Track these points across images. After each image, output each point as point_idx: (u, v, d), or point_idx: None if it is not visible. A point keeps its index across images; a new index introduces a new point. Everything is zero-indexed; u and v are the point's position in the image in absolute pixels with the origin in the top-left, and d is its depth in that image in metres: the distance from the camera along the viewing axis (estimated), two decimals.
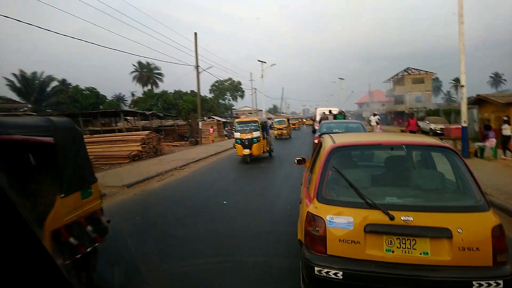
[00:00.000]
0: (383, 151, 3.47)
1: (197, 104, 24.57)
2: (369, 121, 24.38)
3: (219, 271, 3.64)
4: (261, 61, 38.55)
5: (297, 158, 4.71)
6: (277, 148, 16.48)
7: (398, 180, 3.14)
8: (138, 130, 24.09)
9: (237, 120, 13.12)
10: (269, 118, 48.90)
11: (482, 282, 2.15)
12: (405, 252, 2.37)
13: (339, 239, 2.47)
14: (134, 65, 55.26)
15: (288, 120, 28.01)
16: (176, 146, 22.94)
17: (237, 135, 11.81)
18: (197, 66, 24.11)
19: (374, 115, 24.13)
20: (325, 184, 2.76)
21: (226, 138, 29.27)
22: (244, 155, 11.56)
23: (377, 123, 22.59)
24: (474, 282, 2.16)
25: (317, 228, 2.53)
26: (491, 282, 2.15)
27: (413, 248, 2.36)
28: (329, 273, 2.38)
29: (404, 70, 48.69)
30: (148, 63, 54.47)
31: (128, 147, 14.76)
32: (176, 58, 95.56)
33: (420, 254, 2.34)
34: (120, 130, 24.30)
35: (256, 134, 11.68)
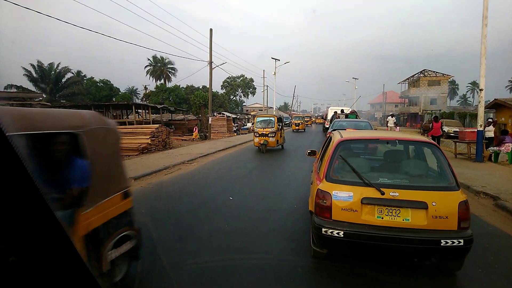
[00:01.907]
0: (386, 147, 4.27)
1: (209, 99, 24.53)
2: (387, 122, 24.14)
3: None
4: (275, 59, 38.39)
5: (308, 151, 5.54)
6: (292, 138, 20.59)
7: (391, 168, 3.93)
8: (148, 123, 24.29)
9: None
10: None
11: (448, 241, 2.92)
12: (392, 218, 3.15)
13: (341, 208, 3.25)
14: (149, 59, 55.99)
15: (304, 117, 35.90)
16: (185, 140, 23.05)
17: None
18: (210, 62, 24.12)
19: (392, 116, 23.91)
20: (332, 168, 3.55)
21: (235, 134, 29.20)
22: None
23: (396, 125, 22.26)
24: (442, 240, 2.92)
25: (325, 200, 3.31)
26: (455, 240, 2.91)
27: (397, 216, 3.14)
28: (333, 233, 3.16)
29: (421, 72, 47.78)
30: (162, 58, 55.00)
31: (137, 140, 14.89)
32: (189, 53, 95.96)
33: (403, 220, 3.12)
34: (131, 123, 24.58)
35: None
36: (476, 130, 11.43)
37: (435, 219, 3.05)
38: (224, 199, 6.52)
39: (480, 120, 11.14)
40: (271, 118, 14.11)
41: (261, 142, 13.47)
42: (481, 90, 11.08)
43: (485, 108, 14.11)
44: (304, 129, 31.94)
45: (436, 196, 3.13)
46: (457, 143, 12.86)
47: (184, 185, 7.94)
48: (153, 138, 15.19)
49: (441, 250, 2.97)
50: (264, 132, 13.56)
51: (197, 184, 8.08)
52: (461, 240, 2.93)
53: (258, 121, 14.15)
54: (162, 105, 31.10)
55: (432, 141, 3.79)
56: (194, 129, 25.45)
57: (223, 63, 30.19)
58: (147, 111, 29.01)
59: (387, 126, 22.90)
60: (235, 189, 7.54)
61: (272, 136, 13.55)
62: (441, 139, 15.56)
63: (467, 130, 13.20)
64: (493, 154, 11.35)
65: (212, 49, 23.68)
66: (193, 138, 23.62)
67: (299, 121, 31.01)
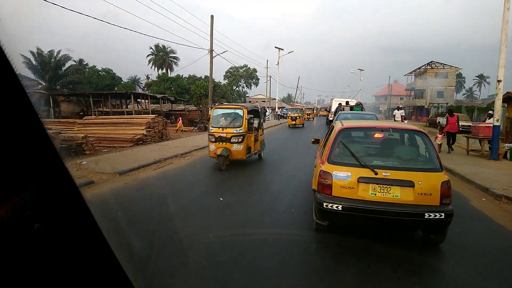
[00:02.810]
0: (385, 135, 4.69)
1: (209, 89, 23.65)
2: (394, 115, 21.44)
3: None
4: (278, 48, 37.25)
5: (312, 139, 5.99)
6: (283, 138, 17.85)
7: (385, 153, 4.38)
8: (147, 113, 23.57)
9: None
10: (282, 107, 47.58)
11: (431, 214, 3.38)
12: (383, 195, 3.61)
13: (340, 186, 3.72)
14: (151, 48, 54.89)
15: (302, 110, 28.53)
16: (184, 131, 22.28)
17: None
18: (211, 50, 23.19)
19: (399, 108, 21.24)
20: (333, 153, 4.04)
21: None
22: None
23: (403, 118, 20.14)
24: (425, 214, 3.39)
25: (326, 180, 3.79)
26: (437, 214, 3.37)
27: (388, 193, 3.60)
28: (333, 207, 3.64)
29: (428, 64, 46.42)
30: (164, 47, 53.96)
31: (132, 131, 14.27)
32: (191, 42, 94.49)
33: (393, 196, 3.58)
34: (129, 113, 23.87)
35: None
36: (491, 124, 10.55)
37: (420, 195, 3.50)
38: (213, 200, 5.78)
39: (497, 114, 10.32)
40: (237, 111, 8.75)
41: (218, 152, 8.17)
42: (499, 81, 10.24)
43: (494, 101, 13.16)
44: (303, 125, 26.05)
45: (422, 176, 3.58)
46: (469, 139, 11.94)
47: (172, 182, 7.28)
48: (148, 129, 14.64)
49: (425, 222, 3.43)
50: (224, 135, 8.31)
51: (186, 181, 7.35)
52: (442, 214, 3.37)
53: (215, 116, 8.76)
54: (162, 95, 30.26)
55: (421, 130, 4.21)
56: (178, 120, 23.81)
57: (224, 52, 29.32)
58: (147, 101, 28.23)
59: (394, 120, 20.39)
60: (226, 187, 6.80)
61: (238, 142, 8.28)
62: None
63: (481, 124, 12.20)
64: (508, 151, 10.48)
65: (216, 38, 22.87)
66: (177, 130, 22.27)
67: (296, 114, 24.53)
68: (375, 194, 3.60)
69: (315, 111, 47.06)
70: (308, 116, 29.63)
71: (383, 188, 3.59)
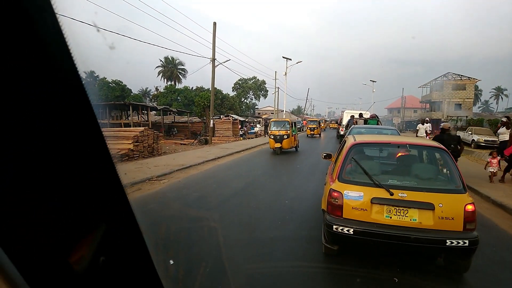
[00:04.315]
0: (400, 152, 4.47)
1: (211, 100, 22.38)
2: (417, 130, 17.36)
3: None
4: (286, 58, 35.99)
5: (324, 154, 5.58)
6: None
7: (402, 171, 4.11)
8: (147, 125, 22.46)
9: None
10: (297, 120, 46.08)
11: (453, 241, 3.06)
12: (400, 218, 3.32)
13: (352, 207, 3.46)
14: (161, 60, 55.06)
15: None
16: (184, 144, 20.95)
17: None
18: (213, 60, 22.03)
19: (424, 122, 17.20)
20: (345, 170, 3.78)
21: (241, 138, 26.79)
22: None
23: (428, 133, 16.62)
24: (447, 240, 3.08)
25: (336, 200, 3.53)
26: (460, 241, 3.06)
27: (405, 216, 3.31)
28: (343, 230, 3.36)
29: (444, 75, 44.25)
30: (173, 59, 53.87)
31: (118, 145, 12.85)
32: (200, 54, 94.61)
33: (411, 220, 3.29)
34: (127, 124, 22.80)
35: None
36: None
37: (441, 219, 3.18)
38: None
39: None
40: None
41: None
42: None
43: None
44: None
45: (443, 198, 3.28)
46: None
47: None
48: (136, 143, 13.21)
49: (447, 249, 3.10)
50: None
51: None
52: (466, 241, 3.04)
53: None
54: (164, 106, 29.25)
55: (441, 146, 3.91)
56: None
57: (227, 61, 27.42)
58: (152, 112, 27.17)
59: (417, 135, 16.38)
60: (196, 234, 5.03)
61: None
62: (465, 148, 11.39)
63: None
64: None
65: (225, 50, 21.78)
66: (177, 143, 20.90)
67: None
68: (391, 217, 3.34)
69: (322, 124, 41.78)
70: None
71: (399, 211, 3.33)
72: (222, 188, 7.75)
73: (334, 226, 3.38)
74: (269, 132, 15.53)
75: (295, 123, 16.60)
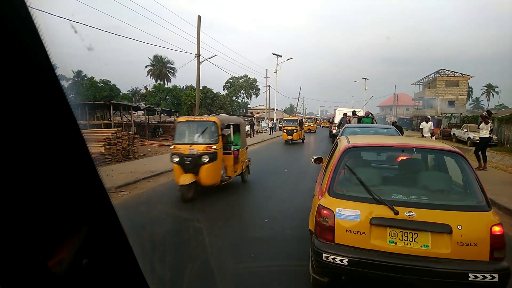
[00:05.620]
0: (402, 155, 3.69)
1: (196, 99, 21.17)
2: (421, 130, 15.77)
3: None
4: (276, 55, 34.94)
5: (314, 158, 4.95)
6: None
7: (407, 181, 3.36)
8: (130, 126, 21.17)
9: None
10: (281, 118, 44.95)
11: (477, 275, 2.34)
12: (407, 244, 2.59)
13: (346, 230, 2.72)
14: (150, 59, 53.57)
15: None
16: (168, 146, 19.67)
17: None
18: (198, 55, 20.76)
19: (427, 120, 15.19)
20: (336, 181, 3.02)
21: None
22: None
23: (432, 133, 14.84)
24: (470, 274, 2.36)
25: (326, 219, 2.79)
26: (487, 275, 2.34)
27: (414, 241, 2.58)
28: (335, 260, 2.64)
29: (437, 72, 43.71)
30: (161, 57, 52.51)
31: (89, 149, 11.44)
32: (179, 47, 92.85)
33: (421, 246, 2.57)
34: (107, 125, 21.47)
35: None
36: None
37: (461, 246, 2.49)
38: None
39: None
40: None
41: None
42: None
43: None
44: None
45: (462, 218, 2.57)
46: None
47: None
48: (108, 146, 11.96)
49: (469, 286, 2.40)
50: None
51: None
52: (495, 275, 2.35)
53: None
54: (147, 106, 27.88)
55: (456, 149, 3.15)
56: None
57: (212, 56, 26.05)
58: (139, 112, 25.80)
59: (422, 135, 14.90)
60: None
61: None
62: (462, 147, 10.65)
63: None
64: None
65: (216, 49, 20.48)
66: (161, 145, 19.74)
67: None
68: (396, 243, 2.61)
69: (312, 124, 36.26)
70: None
71: (406, 235, 2.60)
72: (186, 207, 6.11)
73: (324, 255, 2.68)
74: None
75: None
